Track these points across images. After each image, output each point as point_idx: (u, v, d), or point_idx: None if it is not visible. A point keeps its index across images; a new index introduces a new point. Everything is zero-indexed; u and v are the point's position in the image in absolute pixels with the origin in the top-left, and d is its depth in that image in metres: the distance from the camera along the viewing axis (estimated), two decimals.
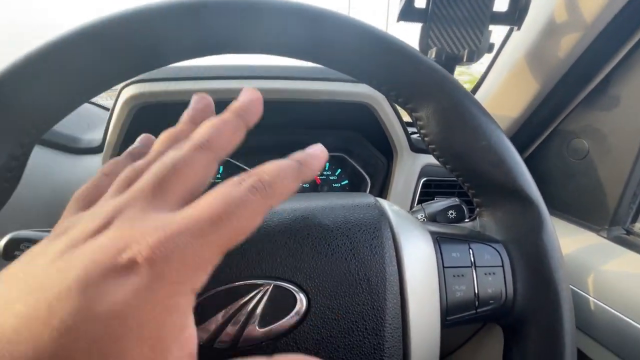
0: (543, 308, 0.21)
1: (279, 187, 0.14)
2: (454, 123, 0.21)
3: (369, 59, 0.21)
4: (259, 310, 0.18)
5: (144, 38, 0.18)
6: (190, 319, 0.12)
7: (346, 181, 0.65)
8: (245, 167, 0.61)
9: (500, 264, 0.22)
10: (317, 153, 0.17)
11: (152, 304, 0.11)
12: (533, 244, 0.21)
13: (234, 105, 0.17)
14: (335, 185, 0.64)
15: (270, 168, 0.15)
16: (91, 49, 0.18)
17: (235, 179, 0.14)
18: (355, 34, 0.20)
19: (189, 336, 0.12)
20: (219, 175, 0.60)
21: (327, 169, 0.64)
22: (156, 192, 0.14)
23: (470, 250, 0.22)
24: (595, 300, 0.38)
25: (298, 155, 0.17)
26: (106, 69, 0.19)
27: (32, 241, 0.26)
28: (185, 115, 0.19)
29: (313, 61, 0.21)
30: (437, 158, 0.23)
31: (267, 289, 0.18)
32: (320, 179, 0.63)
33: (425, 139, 0.23)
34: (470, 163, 0.22)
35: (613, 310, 0.36)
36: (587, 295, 0.39)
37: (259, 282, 0.18)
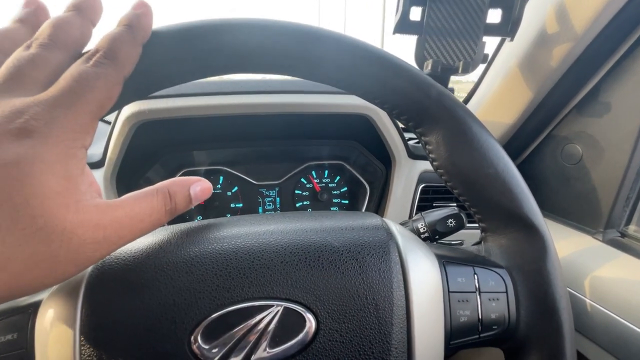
0: (545, 335, 0.21)
1: (121, 54, 0.17)
2: (462, 150, 0.21)
3: (383, 84, 0.21)
4: (269, 330, 0.18)
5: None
6: (85, 163, 0.17)
7: (345, 188, 0.65)
8: (247, 178, 0.61)
9: (504, 290, 0.22)
10: (142, 10, 0.18)
11: (54, 154, 0.14)
12: (537, 271, 0.22)
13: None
14: (335, 192, 0.65)
15: (104, 41, 0.17)
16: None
17: (83, 58, 0.16)
18: (366, 58, 0.20)
19: (88, 172, 0.18)
20: (219, 185, 0.61)
21: (326, 176, 0.64)
22: (12, 81, 0.16)
23: (475, 276, 0.22)
24: (592, 302, 0.39)
25: (124, 19, 0.18)
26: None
27: None
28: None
29: (333, 85, 0.22)
30: (445, 182, 0.23)
31: (278, 310, 0.19)
32: (320, 186, 0.64)
33: (434, 163, 0.23)
34: (477, 189, 0.22)
35: (609, 312, 0.37)
36: (583, 298, 0.40)
37: (271, 303, 0.19)
